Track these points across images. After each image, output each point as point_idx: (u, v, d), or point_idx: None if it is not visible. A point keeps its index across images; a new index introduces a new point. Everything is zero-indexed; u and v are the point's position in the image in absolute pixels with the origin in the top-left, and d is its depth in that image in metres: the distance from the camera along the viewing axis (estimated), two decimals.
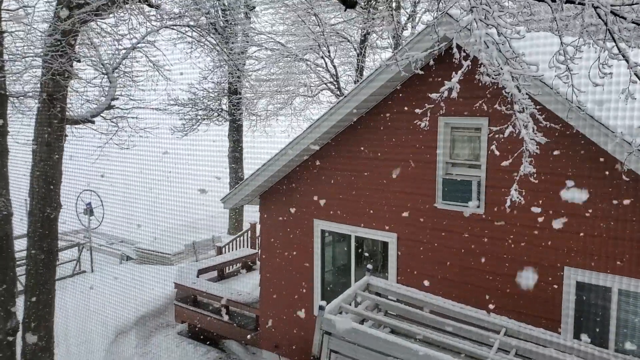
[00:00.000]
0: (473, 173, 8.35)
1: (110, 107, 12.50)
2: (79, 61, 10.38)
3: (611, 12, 4.14)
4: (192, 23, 18.09)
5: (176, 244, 19.05)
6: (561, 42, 4.38)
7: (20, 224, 10.46)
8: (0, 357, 8.87)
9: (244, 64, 20.88)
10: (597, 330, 7.42)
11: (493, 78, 4.43)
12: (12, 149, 9.05)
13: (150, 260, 18.96)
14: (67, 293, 14.75)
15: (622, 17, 4.17)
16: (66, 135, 9.64)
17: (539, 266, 7.81)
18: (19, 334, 9.26)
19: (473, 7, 4.12)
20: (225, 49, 19.31)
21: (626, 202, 7.00)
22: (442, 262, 8.75)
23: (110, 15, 10.46)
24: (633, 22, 4.09)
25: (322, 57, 19.98)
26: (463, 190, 8.26)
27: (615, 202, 7.08)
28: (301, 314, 10.65)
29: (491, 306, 8.00)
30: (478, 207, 8.24)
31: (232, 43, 19.64)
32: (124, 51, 13.12)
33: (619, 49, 4.23)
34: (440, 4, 5.26)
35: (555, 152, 7.41)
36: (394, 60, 7.40)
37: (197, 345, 12.55)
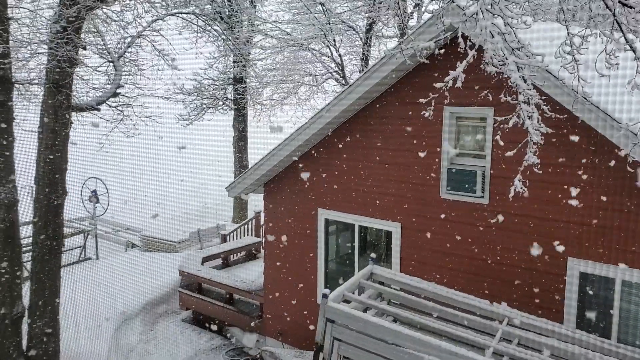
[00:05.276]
0: (478, 163, 8.34)
1: (115, 94, 12.52)
2: (84, 48, 10.38)
3: (619, 1, 4.11)
4: (197, 11, 18.04)
5: (181, 232, 19.13)
6: (568, 33, 4.36)
7: (26, 211, 10.52)
8: (6, 342, 8.96)
9: (249, 53, 20.82)
10: (600, 320, 7.43)
11: (498, 68, 4.42)
12: (18, 136, 9.07)
13: (155, 248, 19.05)
14: (73, 280, 14.85)
15: (631, 7, 4.14)
16: (72, 123, 9.66)
17: (543, 256, 7.81)
18: (25, 320, 9.35)
19: None
20: (230, 38, 19.25)
21: (631, 192, 6.98)
22: (446, 251, 8.77)
23: (116, 3, 10.44)
24: None
25: (327, 46, 19.89)
26: (468, 180, 8.26)
27: (619, 193, 7.06)
28: (305, 301, 10.70)
29: (494, 296, 8.02)
30: (482, 197, 8.24)
31: (238, 31, 19.58)
32: (129, 39, 13.11)
33: (626, 39, 4.20)
34: None
35: (560, 143, 7.38)
36: (399, 49, 7.38)
37: (201, 332, 12.65)
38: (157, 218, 18.91)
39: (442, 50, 6.74)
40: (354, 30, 19.72)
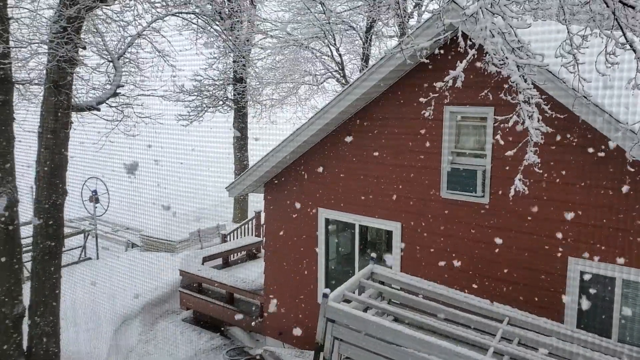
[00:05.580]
0: (478, 163, 8.34)
1: (115, 94, 12.52)
2: (84, 48, 10.38)
3: (619, 1, 4.11)
4: (197, 11, 18.04)
5: (181, 232, 19.15)
6: (568, 32, 4.36)
7: (26, 211, 10.53)
8: (7, 342, 8.97)
9: (249, 52, 20.82)
10: (600, 320, 7.43)
11: (498, 67, 4.42)
12: (18, 136, 9.07)
13: (155, 248, 19.05)
14: (73, 279, 14.86)
15: (631, 6, 4.14)
16: (72, 122, 9.66)
17: (543, 256, 7.81)
18: (26, 320, 9.35)
19: None
20: (230, 37, 19.25)
21: (631, 192, 6.97)
22: (446, 251, 8.77)
23: (116, 2, 10.44)
24: None
25: (327, 46, 19.90)
26: (468, 179, 8.25)
27: (620, 192, 7.06)
28: (305, 301, 10.70)
29: (495, 295, 8.02)
30: (483, 196, 8.23)
31: (238, 31, 19.58)
32: (129, 38, 13.11)
33: (626, 38, 4.20)
34: None
35: (560, 142, 7.38)
36: (399, 49, 7.38)
37: (201, 331, 12.65)
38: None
39: (442, 50, 6.74)
40: (354, 29, 19.73)
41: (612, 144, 6.81)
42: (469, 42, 4.45)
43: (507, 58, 4.25)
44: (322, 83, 21.17)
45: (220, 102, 21.72)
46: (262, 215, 13.24)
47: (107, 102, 12.45)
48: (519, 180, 5.09)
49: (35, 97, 12.10)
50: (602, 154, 7.09)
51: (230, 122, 21.89)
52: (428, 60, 6.77)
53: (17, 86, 10.35)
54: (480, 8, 4.11)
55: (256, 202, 18.75)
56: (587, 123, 6.89)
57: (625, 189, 7.00)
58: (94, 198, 19.22)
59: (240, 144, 21.72)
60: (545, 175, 7.48)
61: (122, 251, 19.59)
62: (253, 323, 11.70)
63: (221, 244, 15.18)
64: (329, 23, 18.74)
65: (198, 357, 11.59)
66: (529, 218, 7.87)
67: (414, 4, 19.87)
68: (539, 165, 5.42)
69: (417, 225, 9.07)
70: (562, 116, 6.41)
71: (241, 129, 21.73)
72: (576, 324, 7.53)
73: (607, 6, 4.11)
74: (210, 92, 21.39)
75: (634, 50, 4.26)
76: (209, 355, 11.66)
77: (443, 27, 6.41)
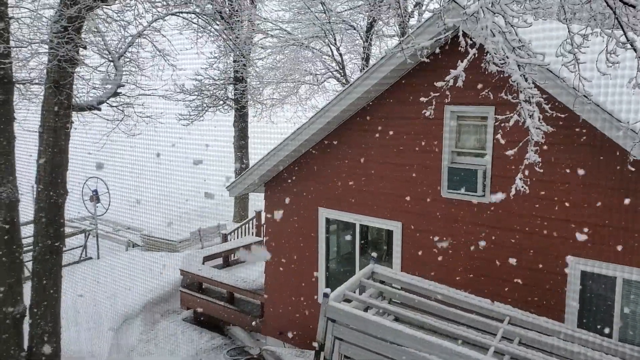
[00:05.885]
0: (479, 162, 8.33)
1: (116, 94, 12.52)
2: (85, 48, 10.38)
3: (620, 0, 4.10)
4: (198, 10, 18.05)
5: (182, 231, 19.15)
6: (569, 31, 4.36)
7: (26, 210, 10.53)
8: (7, 342, 8.97)
9: (250, 52, 20.82)
10: (601, 319, 7.42)
11: (499, 67, 4.41)
12: (19, 136, 9.08)
13: (156, 247, 19.06)
14: (74, 279, 14.86)
15: (632, 5, 4.14)
16: (72, 122, 9.66)
17: (544, 255, 7.80)
18: (26, 319, 9.35)
19: None
20: (230, 37, 19.25)
21: (631, 191, 6.97)
22: (447, 250, 8.76)
23: (116, 2, 10.44)
24: None
25: (328, 45, 19.89)
26: (468, 179, 8.25)
27: (620, 192, 7.05)
28: (305, 301, 10.70)
29: (495, 295, 8.02)
30: (483, 196, 8.23)
31: (238, 30, 19.58)
32: (129, 38, 13.11)
33: (627, 37, 4.20)
34: None
35: (561, 142, 7.37)
36: (399, 48, 7.37)
37: (202, 331, 12.65)
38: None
39: (443, 49, 6.74)
40: (354, 29, 19.73)
41: (613, 143, 6.80)
42: (469, 42, 4.45)
43: (507, 57, 4.25)
44: (322, 83, 21.17)
45: (221, 102, 21.71)
46: (263, 214, 13.24)
47: (107, 101, 12.45)
48: (520, 179, 5.09)
49: (35, 97, 12.09)
50: (602, 153, 7.09)
51: (231, 121, 21.89)
52: (429, 60, 6.77)
53: (17, 86, 10.35)
54: (481, 7, 4.11)
55: (257, 201, 18.76)
56: (587, 122, 6.88)
57: (625, 188, 7.00)
58: (95, 197, 19.24)
59: (241, 143, 21.70)
60: (546, 174, 7.47)
61: (122, 251, 19.61)
62: (253, 323, 11.70)
63: (222, 243, 15.18)
64: (330, 22, 18.73)
65: (199, 357, 11.59)
66: (530, 217, 7.87)
67: (414, 3, 19.85)
68: (540, 164, 5.41)
69: (417, 224, 9.07)
70: (562, 115, 6.41)
71: (242, 128, 21.72)
72: (577, 323, 7.52)
73: (608, 5, 4.11)
74: (211, 92, 21.38)
75: (635, 49, 4.26)
76: (209, 355, 11.66)
77: (444, 27, 6.41)
